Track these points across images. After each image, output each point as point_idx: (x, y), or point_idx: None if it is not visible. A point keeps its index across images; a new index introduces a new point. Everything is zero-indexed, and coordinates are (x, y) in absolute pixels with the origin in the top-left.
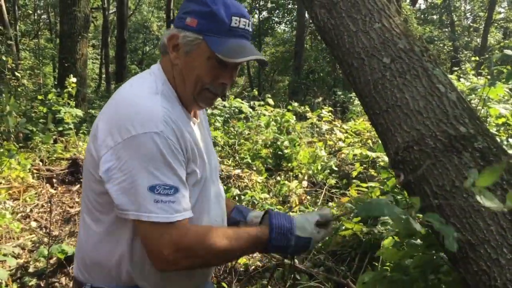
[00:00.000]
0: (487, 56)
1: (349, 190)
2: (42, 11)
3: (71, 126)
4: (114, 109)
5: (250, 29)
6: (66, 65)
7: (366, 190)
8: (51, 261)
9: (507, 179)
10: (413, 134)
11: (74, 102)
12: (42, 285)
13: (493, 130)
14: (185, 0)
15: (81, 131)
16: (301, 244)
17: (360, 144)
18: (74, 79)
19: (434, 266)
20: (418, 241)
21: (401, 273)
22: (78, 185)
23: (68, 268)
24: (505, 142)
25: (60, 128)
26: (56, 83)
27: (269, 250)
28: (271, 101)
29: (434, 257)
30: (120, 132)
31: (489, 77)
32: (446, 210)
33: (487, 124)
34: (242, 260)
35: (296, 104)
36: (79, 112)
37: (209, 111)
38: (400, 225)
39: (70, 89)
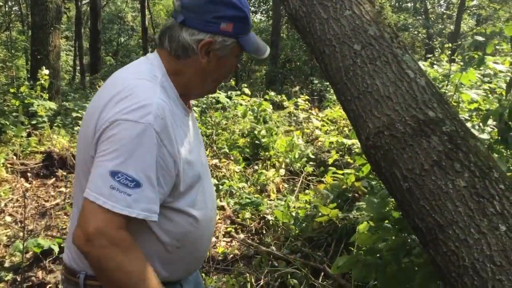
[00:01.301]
0: (460, 42)
1: (325, 177)
2: (13, 3)
3: (45, 119)
4: (109, 91)
5: None
6: (38, 57)
7: (342, 176)
8: (27, 256)
9: (474, 161)
10: (384, 120)
11: (47, 95)
12: (19, 279)
13: (465, 115)
14: (208, 2)
15: (55, 124)
16: None
17: (336, 131)
18: (46, 71)
19: (406, 249)
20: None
21: (374, 257)
22: (54, 179)
23: (44, 262)
24: (476, 127)
25: (34, 122)
26: (29, 76)
27: None
28: (247, 91)
29: (406, 240)
30: (113, 113)
31: (461, 63)
32: (416, 193)
33: (460, 110)
34: (220, 249)
35: (273, 93)
36: (53, 105)
37: None
38: (373, 209)
39: (42, 82)
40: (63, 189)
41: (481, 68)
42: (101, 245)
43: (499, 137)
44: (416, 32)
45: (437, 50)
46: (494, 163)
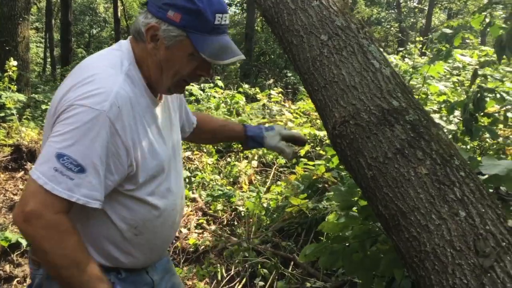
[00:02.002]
0: (429, 36)
1: (296, 168)
2: None
3: (14, 111)
4: (74, 76)
5: (228, 23)
6: (7, 48)
7: (313, 168)
8: None
9: (436, 149)
10: (349, 109)
11: (15, 87)
12: None
13: (434, 107)
14: None
15: (24, 117)
16: None
17: (309, 124)
18: (15, 63)
19: (372, 236)
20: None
21: (341, 244)
22: (22, 172)
23: (12, 255)
24: (444, 118)
25: (2, 114)
26: None
27: None
28: (220, 83)
29: (372, 227)
30: (71, 97)
31: (431, 56)
32: (380, 180)
33: (429, 102)
34: (191, 240)
35: (247, 86)
36: (22, 97)
37: None
38: (340, 198)
39: (10, 73)
40: None
41: (450, 61)
42: (37, 226)
43: (464, 128)
44: (388, 26)
45: (408, 44)
46: (455, 151)
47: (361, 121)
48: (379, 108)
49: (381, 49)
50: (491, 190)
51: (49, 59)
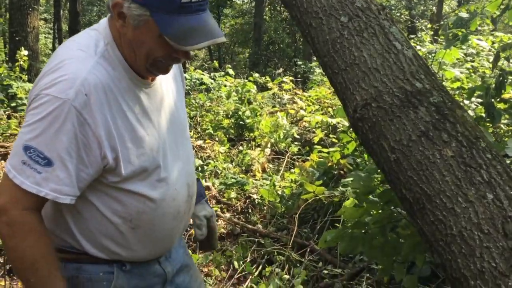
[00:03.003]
0: (442, 23)
1: (310, 156)
2: None
3: (25, 101)
4: (47, 64)
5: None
6: (17, 39)
7: (327, 155)
8: None
9: (461, 131)
10: (371, 92)
11: (26, 77)
12: None
13: None
14: None
15: None
16: None
17: (321, 111)
18: (25, 52)
19: (393, 221)
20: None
21: (361, 230)
22: None
23: None
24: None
25: (13, 104)
26: (7, 58)
27: None
28: (231, 71)
29: (393, 212)
30: (39, 86)
31: (444, 43)
32: (404, 163)
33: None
34: None
35: (257, 75)
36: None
37: None
38: (359, 183)
39: (21, 63)
40: None
41: (464, 48)
42: (2, 221)
43: (485, 112)
44: (398, 14)
45: (419, 31)
46: (481, 133)
47: (384, 104)
48: (402, 90)
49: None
50: None
51: None
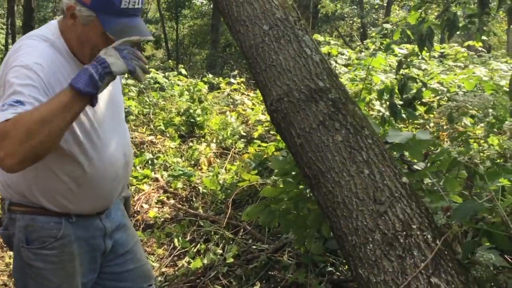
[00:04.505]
0: (369, 31)
1: (248, 149)
2: None
3: None
4: (6, 57)
5: (140, 6)
6: None
7: (264, 148)
8: None
9: (350, 122)
10: (284, 88)
11: None
12: None
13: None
14: None
15: None
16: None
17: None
18: None
19: (304, 198)
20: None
21: (278, 205)
22: None
23: None
24: (384, 106)
25: None
26: None
27: (80, 85)
28: (184, 71)
29: (304, 190)
30: (7, 63)
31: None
32: (306, 147)
33: (373, 91)
34: (152, 213)
35: (211, 76)
36: None
37: (124, 81)
38: (277, 165)
39: None
40: None
41: (399, 55)
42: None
43: (389, 110)
44: (351, 22)
45: (368, 39)
46: (367, 124)
47: (293, 98)
48: (308, 87)
49: (337, 43)
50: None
51: (10, 46)
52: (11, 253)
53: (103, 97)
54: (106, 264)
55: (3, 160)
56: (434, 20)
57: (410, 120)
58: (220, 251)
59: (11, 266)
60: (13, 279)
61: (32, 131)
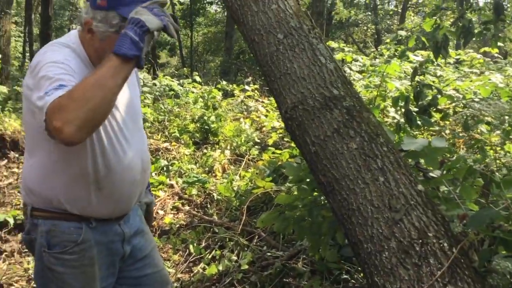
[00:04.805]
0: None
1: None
2: None
3: None
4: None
5: None
6: None
7: (279, 155)
8: None
9: (365, 129)
10: (299, 96)
11: None
12: None
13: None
14: None
15: (6, 109)
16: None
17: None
18: None
19: (318, 205)
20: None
21: (293, 212)
22: (6, 160)
23: (0, 232)
24: (399, 112)
25: None
26: None
27: (124, 50)
28: (198, 78)
29: (318, 198)
30: (36, 66)
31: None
32: (320, 154)
33: (388, 98)
34: (167, 219)
35: (225, 82)
36: (4, 89)
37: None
38: (291, 172)
39: None
40: (15, 169)
41: (413, 62)
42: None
43: (404, 117)
44: (365, 28)
45: (382, 45)
46: (382, 131)
47: (308, 106)
48: (322, 95)
49: (351, 49)
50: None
51: (28, 54)
52: (30, 258)
53: (123, 102)
54: (125, 268)
55: (61, 131)
56: (449, 27)
57: (426, 127)
58: (235, 258)
59: (30, 271)
60: (31, 284)
61: (87, 94)
